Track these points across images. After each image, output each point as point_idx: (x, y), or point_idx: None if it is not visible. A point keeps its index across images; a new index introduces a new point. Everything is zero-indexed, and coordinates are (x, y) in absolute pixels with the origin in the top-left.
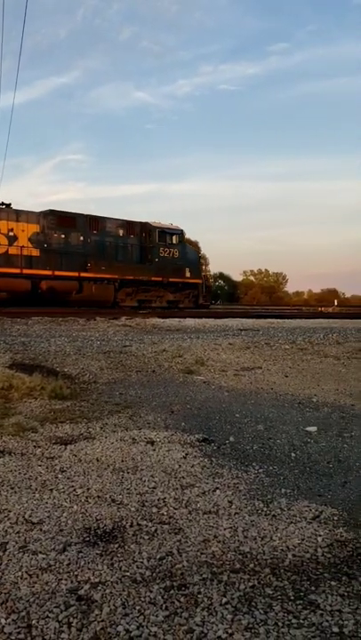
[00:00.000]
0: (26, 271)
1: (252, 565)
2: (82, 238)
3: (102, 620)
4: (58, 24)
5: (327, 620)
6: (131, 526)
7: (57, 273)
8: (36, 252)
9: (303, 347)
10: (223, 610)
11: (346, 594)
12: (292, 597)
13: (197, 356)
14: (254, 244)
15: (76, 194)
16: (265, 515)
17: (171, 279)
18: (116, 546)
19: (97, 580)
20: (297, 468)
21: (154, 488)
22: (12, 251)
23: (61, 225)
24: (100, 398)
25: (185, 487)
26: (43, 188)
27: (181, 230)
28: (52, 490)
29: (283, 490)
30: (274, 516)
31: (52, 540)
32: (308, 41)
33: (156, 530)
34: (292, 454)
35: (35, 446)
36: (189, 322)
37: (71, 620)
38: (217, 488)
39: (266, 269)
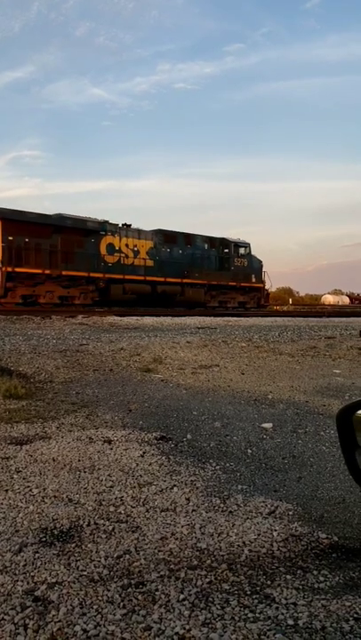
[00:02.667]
0: (148, 278)
1: (209, 561)
2: (180, 251)
3: (59, 621)
4: (12, 17)
5: (282, 613)
6: (88, 525)
7: (167, 280)
8: (151, 263)
9: (259, 344)
10: (181, 606)
11: (301, 587)
12: (248, 592)
13: (155, 354)
14: None
15: (32, 190)
16: (222, 511)
17: (242, 284)
18: (73, 545)
19: (54, 580)
20: (253, 465)
21: (111, 487)
22: (137, 262)
23: (167, 241)
24: (56, 398)
25: (142, 485)
26: None
27: (249, 243)
28: (7, 490)
29: (239, 486)
30: (230, 512)
31: (7, 542)
32: (262, 43)
33: (113, 528)
34: (249, 451)
35: None
36: (147, 320)
37: (27, 621)
38: (174, 485)
39: None
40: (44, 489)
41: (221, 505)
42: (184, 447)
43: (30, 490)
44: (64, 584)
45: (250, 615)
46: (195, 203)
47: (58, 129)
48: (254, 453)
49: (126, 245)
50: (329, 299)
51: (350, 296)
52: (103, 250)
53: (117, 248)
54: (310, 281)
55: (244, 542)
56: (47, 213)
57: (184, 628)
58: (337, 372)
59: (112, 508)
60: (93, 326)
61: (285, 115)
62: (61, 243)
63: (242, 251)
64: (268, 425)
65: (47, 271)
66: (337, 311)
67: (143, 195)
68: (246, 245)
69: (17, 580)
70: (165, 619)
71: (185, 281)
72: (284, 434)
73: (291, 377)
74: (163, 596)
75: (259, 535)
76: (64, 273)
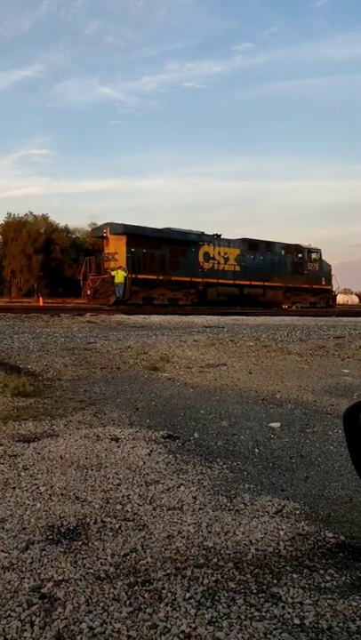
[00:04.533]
0: (236, 282)
1: (215, 560)
2: (262, 258)
3: (65, 618)
4: (21, 16)
5: (289, 613)
6: (95, 523)
7: (252, 283)
8: (238, 269)
9: (267, 344)
10: (187, 605)
11: (307, 586)
12: (254, 591)
13: (162, 352)
14: None
15: (40, 189)
16: (229, 510)
17: (313, 286)
18: (80, 543)
19: (60, 577)
20: (260, 464)
21: (118, 485)
22: (227, 268)
23: (251, 249)
24: (64, 395)
25: (149, 484)
26: (4, 183)
27: (320, 249)
28: (14, 488)
29: (246, 485)
30: (237, 510)
31: (14, 539)
32: (271, 42)
33: (120, 526)
34: (256, 450)
35: None
36: (155, 318)
37: (34, 618)
38: (181, 484)
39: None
40: (52, 486)
41: (228, 504)
42: (191, 446)
43: (37, 487)
44: (70, 581)
45: (256, 614)
46: (200, 201)
47: (66, 128)
48: (262, 453)
49: (218, 253)
50: (338, 298)
51: (360, 296)
52: (201, 258)
53: (212, 256)
54: None
55: (250, 541)
56: (158, 228)
57: (190, 627)
58: (346, 371)
59: (119, 506)
60: (101, 324)
61: (292, 114)
62: (169, 252)
63: (314, 256)
64: (275, 424)
65: (160, 277)
66: (346, 310)
67: (149, 194)
68: (318, 251)
69: (24, 578)
70: (172, 617)
71: (266, 284)
72: (292, 433)
73: (299, 376)
74: (169, 595)
75: (265, 534)
76: (172, 278)
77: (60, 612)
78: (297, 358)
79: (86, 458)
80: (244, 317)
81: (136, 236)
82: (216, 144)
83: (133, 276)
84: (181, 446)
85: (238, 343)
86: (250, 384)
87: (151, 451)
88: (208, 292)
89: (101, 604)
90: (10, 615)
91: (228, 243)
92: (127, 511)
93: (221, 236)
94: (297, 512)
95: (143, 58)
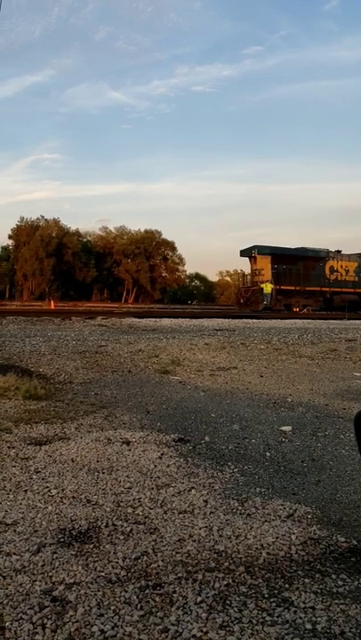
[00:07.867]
0: (356, 290)
1: (226, 564)
2: None
3: (77, 621)
4: (32, 22)
5: (300, 617)
6: (106, 526)
7: None
8: (356, 279)
9: (278, 347)
10: (198, 609)
11: (319, 591)
12: (266, 595)
13: (173, 356)
14: (228, 244)
15: (51, 193)
16: (240, 514)
17: None
18: (91, 546)
19: (72, 580)
20: (272, 467)
21: (129, 488)
22: (347, 279)
23: None
24: (75, 398)
25: (160, 487)
26: (16, 187)
27: None
28: (26, 491)
29: (258, 489)
30: (249, 514)
31: (26, 542)
32: (280, 45)
33: (131, 530)
34: (267, 453)
35: (9, 447)
36: (165, 322)
37: (45, 621)
38: (192, 487)
39: (241, 270)
40: (63, 489)
41: (239, 507)
42: (202, 449)
43: (49, 490)
44: (82, 584)
45: (268, 619)
46: (210, 205)
47: (77, 132)
48: (273, 456)
49: (341, 266)
50: None
51: None
52: (327, 271)
53: (335, 269)
54: None
55: (262, 545)
56: (293, 247)
57: (201, 631)
58: (358, 374)
59: (130, 510)
60: (112, 328)
61: (302, 116)
62: (303, 267)
63: None
64: (287, 428)
65: (297, 287)
66: (358, 314)
67: (160, 197)
68: None
69: (35, 580)
70: (183, 621)
71: None
72: (304, 437)
73: (310, 380)
74: (180, 598)
75: (277, 538)
76: (306, 288)
77: (71, 615)
78: (308, 361)
79: (97, 461)
80: (255, 320)
81: (278, 255)
82: (226, 147)
83: (278, 287)
84: (192, 450)
85: (249, 346)
86: (261, 387)
87: (162, 454)
88: (334, 299)
89: (113, 608)
90: (22, 618)
91: (348, 257)
92: (138, 514)
93: (341, 252)
94: (309, 516)
95: (153, 62)
